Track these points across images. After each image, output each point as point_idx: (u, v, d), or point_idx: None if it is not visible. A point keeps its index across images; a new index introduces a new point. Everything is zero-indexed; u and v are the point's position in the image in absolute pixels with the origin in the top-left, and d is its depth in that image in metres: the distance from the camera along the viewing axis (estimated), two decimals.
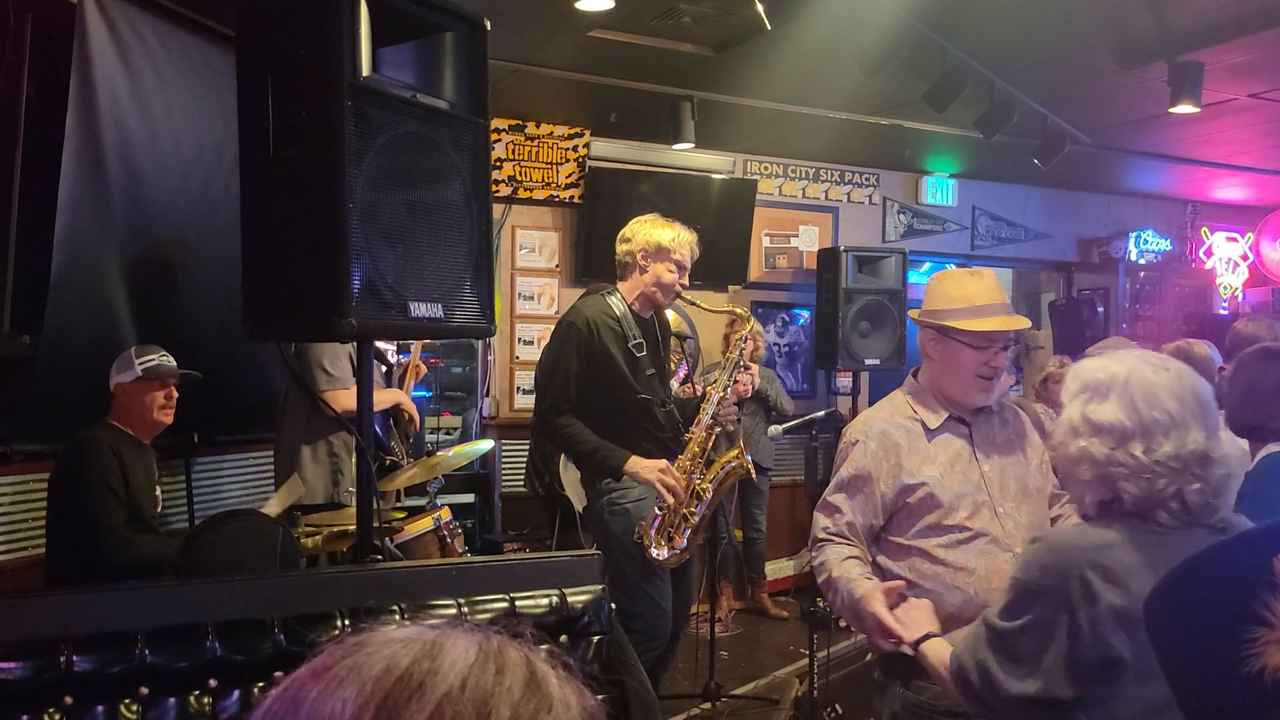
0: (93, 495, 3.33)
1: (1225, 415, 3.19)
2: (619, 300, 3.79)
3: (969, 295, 2.59)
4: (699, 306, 4.06)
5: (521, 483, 6.16)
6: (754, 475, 4.04)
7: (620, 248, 3.82)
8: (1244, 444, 3.00)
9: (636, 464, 3.62)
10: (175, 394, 3.61)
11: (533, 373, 6.04)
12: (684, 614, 3.97)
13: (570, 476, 5.33)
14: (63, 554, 3.44)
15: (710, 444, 3.82)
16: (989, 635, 1.84)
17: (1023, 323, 2.65)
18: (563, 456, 5.21)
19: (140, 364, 3.49)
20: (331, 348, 4.00)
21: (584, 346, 3.67)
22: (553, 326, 6.18)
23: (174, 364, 3.57)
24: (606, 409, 3.70)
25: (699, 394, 4.05)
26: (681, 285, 3.80)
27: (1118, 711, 1.73)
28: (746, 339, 4.03)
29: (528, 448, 6.05)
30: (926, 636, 2.14)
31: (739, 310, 4.17)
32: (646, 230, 3.77)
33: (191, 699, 1.96)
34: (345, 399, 3.74)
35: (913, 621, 2.19)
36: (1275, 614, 0.83)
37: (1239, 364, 3.13)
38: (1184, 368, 1.82)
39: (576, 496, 5.19)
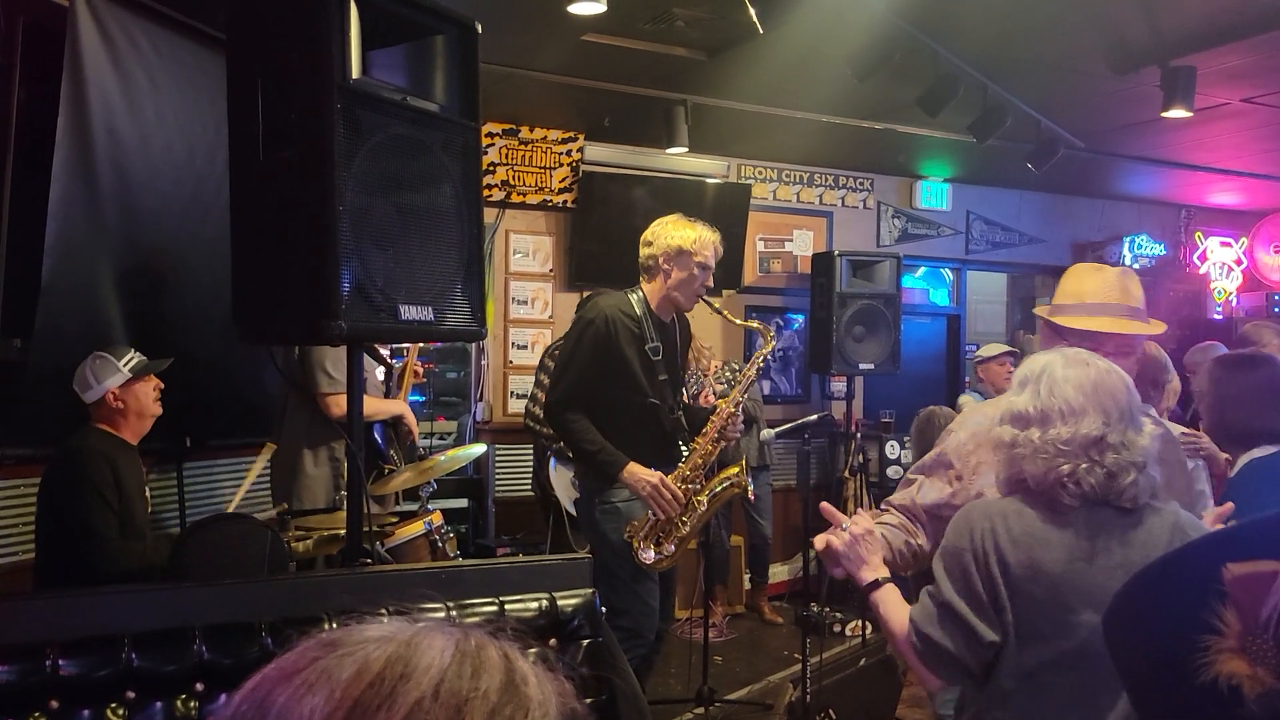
0: (87, 506, 3.30)
1: (1204, 426, 3.21)
2: (640, 301, 3.77)
3: (1084, 291, 2.57)
4: (724, 316, 3.99)
5: (514, 487, 6.16)
6: (752, 496, 4.02)
7: (643, 250, 3.79)
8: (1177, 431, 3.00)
9: (633, 474, 3.62)
10: (161, 384, 3.59)
11: (526, 377, 6.05)
12: (666, 613, 3.97)
13: (559, 478, 5.34)
14: (53, 562, 3.41)
15: (714, 456, 3.81)
16: (941, 608, 1.96)
17: (1138, 328, 2.53)
18: (551, 459, 5.24)
19: (125, 365, 3.46)
20: (335, 351, 3.99)
21: (600, 343, 3.66)
22: (547, 331, 6.25)
23: (145, 356, 3.55)
24: (613, 408, 3.70)
25: (690, 396, 4.05)
26: (705, 286, 3.77)
27: (1000, 674, 1.93)
28: (767, 357, 3.99)
29: (523, 451, 6.05)
30: (878, 583, 2.18)
31: (756, 324, 4.14)
32: (668, 232, 3.73)
33: (178, 703, 1.95)
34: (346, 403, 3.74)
35: (859, 555, 2.22)
36: (1225, 623, 0.83)
37: (1209, 378, 3.13)
38: (1105, 365, 1.98)
39: (566, 498, 5.21)
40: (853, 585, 2.29)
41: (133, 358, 3.50)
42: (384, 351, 4.82)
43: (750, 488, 3.88)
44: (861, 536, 2.22)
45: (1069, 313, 2.54)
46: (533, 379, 5.54)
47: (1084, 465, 1.90)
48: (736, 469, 3.82)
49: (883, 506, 2.59)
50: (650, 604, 3.69)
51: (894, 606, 2.12)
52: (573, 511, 5.23)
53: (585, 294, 5.76)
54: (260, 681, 0.68)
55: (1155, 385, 3.75)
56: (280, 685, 0.67)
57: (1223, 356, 3.29)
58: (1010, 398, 2.03)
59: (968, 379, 7.41)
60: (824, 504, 2.36)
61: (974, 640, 1.92)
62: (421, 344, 5.16)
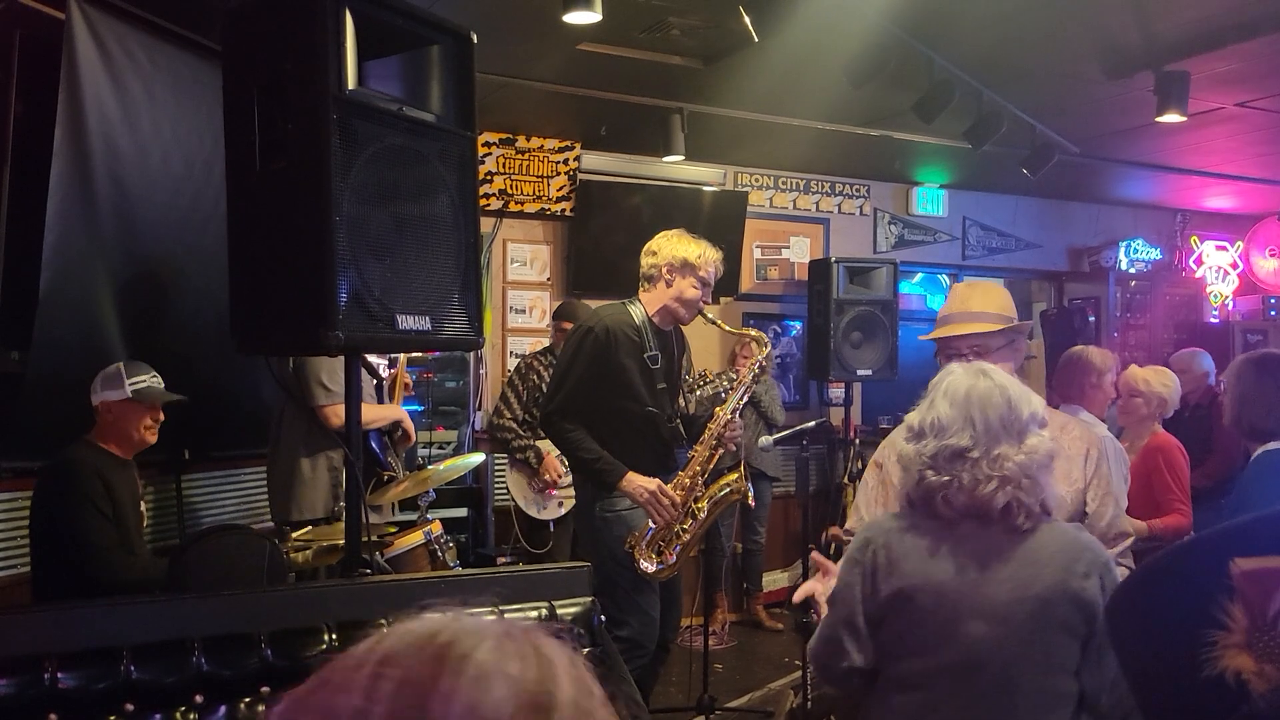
0: (81, 518, 3.29)
1: (1225, 421, 3.40)
2: (640, 310, 3.78)
3: (941, 309, 2.84)
4: (720, 326, 4.01)
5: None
6: (751, 502, 4.02)
7: (645, 260, 3.81)
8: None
9: (631, 482, 3.62)
10: (161, 416, 3.57)
11: None
12: (674, 624, 3.96)
13: (513, 481, 5.63)
14: (50, 575, 3.40)
15: (713, 462, 3.81)
16: (824, 622, 2.06)
17: (971, 327, 2.72)
18: (507, 462, 5.52)
19: (131, 385, 3.43)
20: (330, 362, 3.99)
21: (600, 353, 3.67)
22: (546, 339, 6.24)
23: (163, 387, 3.53)
24: (611, 417, 3.70)
25: (687, 404, 4.05)
26: (704, 302, 3.79)
27: (884, 682, 2.01)
28: (761, 364, 4.00)
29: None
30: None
31: (754, 333, 4.15)
32: (673, 245, 3.75)
33: (178, 715, 1.94)
34: (344, 414, 3.73)
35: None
36: (1233, 618, 0.83)
37: (1234, 375, 3.32)
38: (997, 381, 2.01)
39: (522, 499, 5.61)
40: None
41: (143, 381, 3.46)
42: (379, 361, 4.82)
43: (750, 493, 3.88)
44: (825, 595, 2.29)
45: (935, 326, 2.82)
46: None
47: (947, 478, 1.94)
48: (736, 475, 3.82)
49: (843, 538, 2.75)
50: (651, 614, 3.68)
51: None
52: (527, 511, 5.66)
53: (560, 302, 5.88)
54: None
55: (1079, 388, 4.03)
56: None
57: (1249, 356, 3.43)
58: (910, 412, 2.11)
59: None
60: (815, 554, 2.47)
61: (838, 655, 2.01)
62: (410, 354, 5.18)
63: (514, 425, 5.63)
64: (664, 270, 3.75)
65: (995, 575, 1.93)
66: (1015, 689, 1.91)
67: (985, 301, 2.77)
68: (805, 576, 6.37)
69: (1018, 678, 1.91)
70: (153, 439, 3.57)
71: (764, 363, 3.98)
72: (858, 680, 2.03)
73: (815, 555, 2.42)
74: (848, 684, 2.04)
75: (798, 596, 2.37)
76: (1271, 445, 3.13)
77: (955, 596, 1.92)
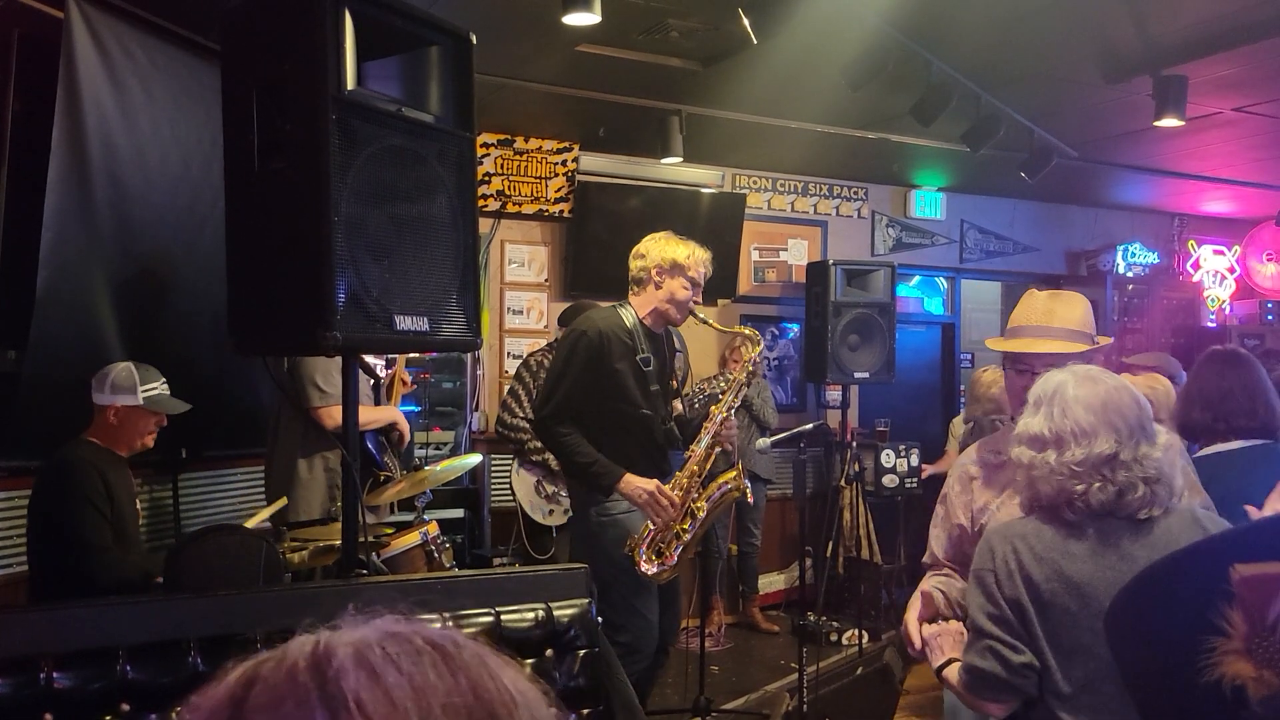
0: (79, 516, 3.29)
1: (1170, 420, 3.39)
2: (631, 313, 3.78)
3: (1015, 316, 2.68)
4: (711, 325, 4.01)
5: (511, 498, 6.15)
6: (750, 499, 4.02)
7: (634, 263, 3.81)
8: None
9: (629, 484, 3.62)
10: (165, 423, 3.58)
11: None
12: (673, 627, 3.95)
13: (521, 483, 5.47)
14: (48, 574, 3.40)
15: (710, 463, 3.81)
16: (975, 633, 2.00)
17: (1062, 346, 2.54)
18: (515, 462, 5.37)
19: (144, 391, 3.44)
20: (324, 363, 3.99)
21: (592, 356, 3.67)
22: (543, 341, 6.24)
23: (170, 395, 3.53)
24: (605, 421, 3.70)
25: (685, 408, 4.05)
26: (695, 302, 3.80)
27: (1048, 692, 1.95)
28: (755, 363, 4.00)
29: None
30: (949, 663, 2.23)
31: (746, 331, 4.15)
32: (662, 247, 3.77)
33: (174, 715, 1.93)
34: (339, 415, 3.73)
35: (939, 645, 2.29)
36: (1231, 624, 0.83)
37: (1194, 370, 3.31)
38: (1116, 383, 2.04)
39: (529, 504, 5.46)
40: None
41: (155, 389, 3.48)
42: (377, 361, 4.81)
43: (748, 490, 3.88)
44: (936, 635, 2.31)
45: (1001, 338, 2.69)
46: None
47: (1096, 484, 1.96)
48: (734, 473, 3.82)
49: (923, 564, 2.74)
50: (649, 619, 3.68)
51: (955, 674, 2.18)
52: (535, 517, 5.50)
53: (567, 305, 5.80)
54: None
55: None
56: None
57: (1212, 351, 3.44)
58: (1026, 419, 2.09)
59: (963, 387, 7.41)
60: (925, 588, 2.46)
61: (1005, 660, 1.95)
62: (408, 355, 5.16)
63: (526, 424, 5.57)
64: (653, 272, 3.75)
65: (1133, 566, 1.91)
66: None
67: (1068, 316, 2.60)
68: (802, 580, 6.38)
69: None
70: (151, 444, 3.58)
71: (757, 360, 3.98)
72: (1034, 679, 1.96)
73: (925, 589, 2.43)
74: (1026, 685, 1.97)
75: (915, 642, 2.36)
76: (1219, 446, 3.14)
77: (1099, 592, 1.90)
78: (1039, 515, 2.03)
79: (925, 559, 2.72)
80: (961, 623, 2.34)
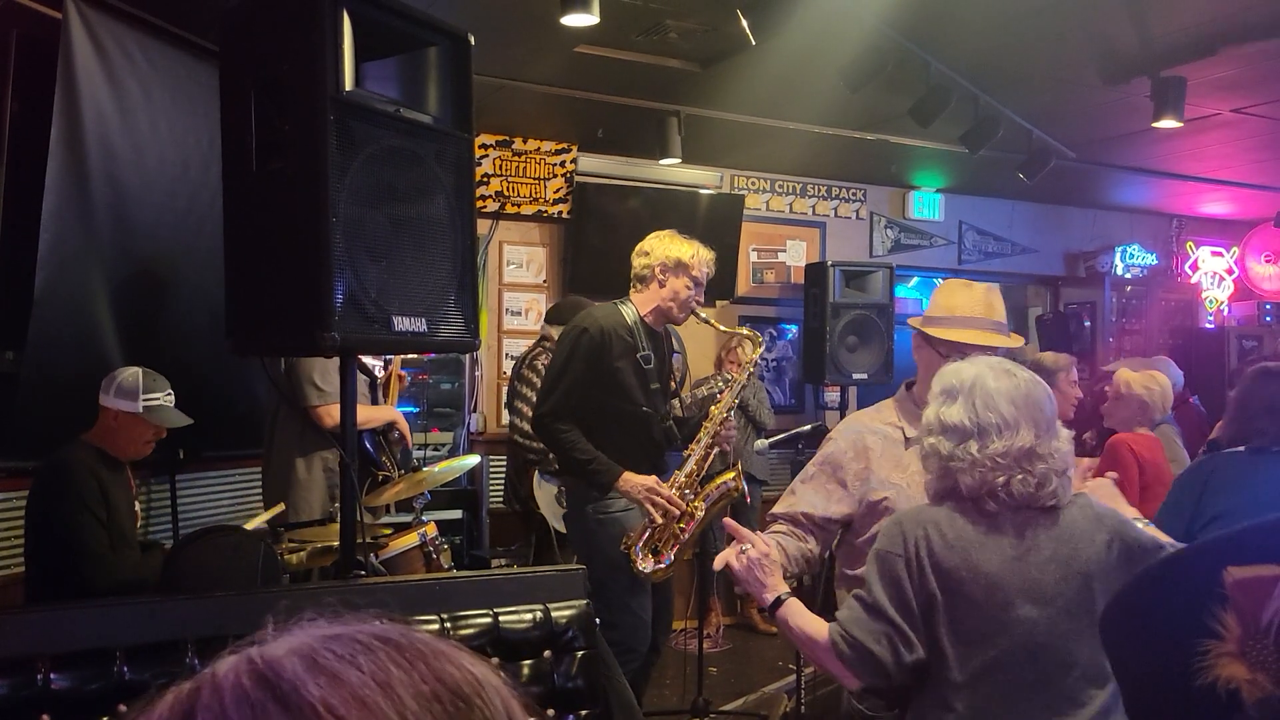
0: (76, 519, 3.28)
1: (1221, 428, 3.47)
2: (632, 311, 3.78)
3: (954, 305, 2.68)
4: (712, 325, 4.01)
5: (503, 499, 6.14)
6: (748, 499, 4.02)
7: (638, 261, 3.81)
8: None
9: (628, 481, 3.62)
10: (164, 434, 3.56)
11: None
12: (665, 626, 3.95)
13: (545, 494, 5.19)
14: (45, 576, 3.39)
15: (708, 462, 3.81)
16: (872, 612, 2.00)
17: (1001, 341, 2.65)
18: (536, 473, 5.13)
19: (144, 401, 3.41)
20: (322, 363, 3.98)
21: (594, 353, 3.67)
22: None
23: (174, 408, 3.51)
24: (604, 418, 3.70)
25: (684, 409, 4.05)
26: (697, 301, 3.80)
27: (942, 679, 1.97)
28: (755, 363, 4.00)
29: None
30: (780, 601, 2.23)
31: (747, 331, 4.15)
32: (666, 245, 3.76)
33: None
34: (337, 414, 3.73)
35: (759, 578, 2.27)
36: (1226, 626, 0.83)
37: (1240, 382, 3.43)
38: (1028, 375, 2.07)
39: (552, 514, 5.05)
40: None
41: (156, 399, 3.45)
42: (374, 362, 4.81)
43: (745, 490, 3.88)
44: (759, 560, 2.27)
45: (940, 325, 2.67)
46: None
47: (1018, 476, 1.99)
48: (732, 473, 3.82)
49: (768, 518, 2.70)
50: (643, 617, 3.68)
51: (804, 617, 2.16)
52: (560, 528, 5.03)
53: (554, 304, 5.74)
54: None
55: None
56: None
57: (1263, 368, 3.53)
58: (940, 409, 2.08)
59: None
60: (728, 520, 2.45)
61: (898, 653, 1.97)
62: (406, 355, 5.14)
63: None
64: (657, 270, 3.75)
65: (1039, 557, 1.97)
66: (1073, 665, 1.95)
67: (1001, 310, 2.72)
68: (800, 581, 6.36)
69: (1076, 654, 1.95)
70: (149, 452, 3.56)
71: (757, 361, 3.98)
72: (916, 676, 2.01)
73: (729, 522, 2.41)
74: (908, 681, 2.01)
75: (718, 563, 2.35)
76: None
77: (1004, 582, 1.94)
78: (952, 504, 2.04)
79: (779, 509, 2.68)
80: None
